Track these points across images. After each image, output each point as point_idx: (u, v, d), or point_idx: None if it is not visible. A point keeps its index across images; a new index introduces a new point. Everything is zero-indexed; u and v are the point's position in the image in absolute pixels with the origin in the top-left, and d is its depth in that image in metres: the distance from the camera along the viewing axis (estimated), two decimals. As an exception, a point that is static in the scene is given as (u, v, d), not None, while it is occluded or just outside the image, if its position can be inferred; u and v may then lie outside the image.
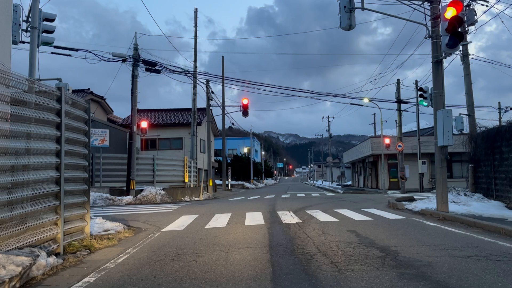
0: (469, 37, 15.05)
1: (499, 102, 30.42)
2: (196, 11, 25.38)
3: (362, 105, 27.46)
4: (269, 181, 76.02)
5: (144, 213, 11.81)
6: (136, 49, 17.50)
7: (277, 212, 11.07)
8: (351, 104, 28.87)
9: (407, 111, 27.20)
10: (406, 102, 26.05)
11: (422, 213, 10.30)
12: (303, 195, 22.54)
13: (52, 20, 10.42)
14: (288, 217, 9.56)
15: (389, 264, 4.51)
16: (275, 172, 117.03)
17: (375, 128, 44.69)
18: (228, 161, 46.75)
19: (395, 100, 26.07)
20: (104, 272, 4.43)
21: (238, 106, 26.55)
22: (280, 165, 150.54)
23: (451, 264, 4.44)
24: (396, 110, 26.43)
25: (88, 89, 28.15)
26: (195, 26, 25.48)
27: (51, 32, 10.49)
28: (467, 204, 10.70)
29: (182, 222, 9.17)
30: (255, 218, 9.50)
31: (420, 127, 28.81)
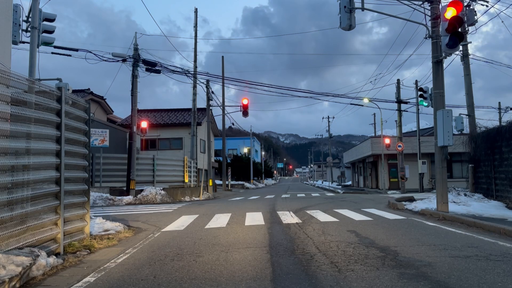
0: (468, 37, 15.06)
1: (499, 102, 30.46)
2: (196, 11, 25.39)
3: (362, 105, 27.48)
4: (269, 181, 76.04)
5: (144, 213, 11.81)
6: (136, 49, 17.50)
7: (277, 212, 11.07)
8: (351, 104, 28.91)
9: (407, 111, 27.25)
10: (406, 102, 26.08)
11: (422, 213, 10.30)
12: (303, 195, 22.54)
13: (52, 20, 10.43)
14: (288, 217, 9.57)
15: (389, 264, 4.51)
16: (275, 172, 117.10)
17: (375, 128, 44.72)
18: (228, 161, 46.78)
19: (395, 100, 26.09)
20: (104, 272, 4.44)
21: (237, 106, 26.59)
22: (280, 165, 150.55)
23: (451, 264, 4.45)
24: (396, 110, 26.44)
25: (88, 89, 28.16)
26: (195, 26, 25.49)
27: (51, 32, 10.50)
28: (467, 204, 10.70)
29: (182, 222, 9.18)
30: (255, 218, 9.50)
31: (420, 127, 28.83)
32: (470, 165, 13.76)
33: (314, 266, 4.46)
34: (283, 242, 6.11)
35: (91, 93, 27.69)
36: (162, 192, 17.67)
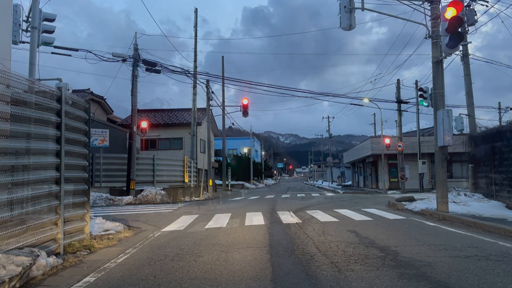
0: (468, 37, 15.05)
1: (499, 102, 30.44)
2: (196, 11, 25.37)
3: (362, 105, 27.47)
4: (269, 181, 76.02)
5: (144, 213, 11.81)
6: (136, 49, 17.49)
7: (277, 212, 11.07)
8: (351, 104, 28.85)
9: (407, 111, 27.21)
10: (406, 102, 26.07)
11: (422, 213, 10.30)
12: (303, 195, 22.53)
13: (52, 20, 10.42)
14: (288, 217, 9.56)
15: (389, 264, 4.50)
16: (275, 172, 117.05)
17: (375, 128, 44.69)
18: (228, 161, 46.74)
19: (395, 100, 26.08)
20: (104, 272, 4.43)
21: (238, 106, 26.59)
22: (280, 165, 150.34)
23: (451, 264, 4.44)
24: (396, 110, 26.43)
25: (88, 89, 28.15)
26: (195, 26, 25.47)
27: (51, 32, 10.49)
28: (467, 204, 10.69)
29: (182, 222, 9.18)
30: (255, 218, 9.50)
31: (420, 127, 28.82)
32: (470, 165, 13.75)
33: (314, 266, 4.45)
34: (283, 242, 6.10)
35: (91, 93, 27.67)
36: (162, 192, 17.66)
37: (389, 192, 25.97)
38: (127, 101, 18.27)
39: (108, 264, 4.86)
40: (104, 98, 29.16)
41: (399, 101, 25.98)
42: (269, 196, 21.17)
